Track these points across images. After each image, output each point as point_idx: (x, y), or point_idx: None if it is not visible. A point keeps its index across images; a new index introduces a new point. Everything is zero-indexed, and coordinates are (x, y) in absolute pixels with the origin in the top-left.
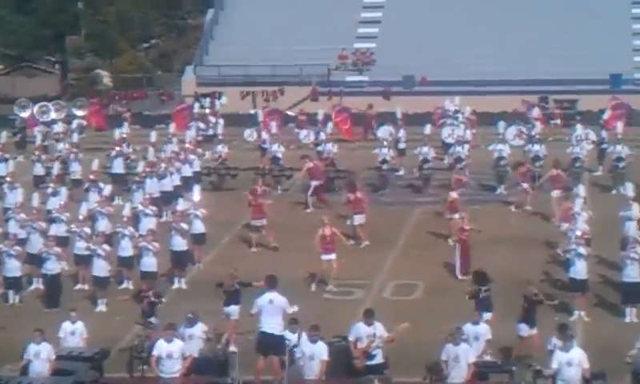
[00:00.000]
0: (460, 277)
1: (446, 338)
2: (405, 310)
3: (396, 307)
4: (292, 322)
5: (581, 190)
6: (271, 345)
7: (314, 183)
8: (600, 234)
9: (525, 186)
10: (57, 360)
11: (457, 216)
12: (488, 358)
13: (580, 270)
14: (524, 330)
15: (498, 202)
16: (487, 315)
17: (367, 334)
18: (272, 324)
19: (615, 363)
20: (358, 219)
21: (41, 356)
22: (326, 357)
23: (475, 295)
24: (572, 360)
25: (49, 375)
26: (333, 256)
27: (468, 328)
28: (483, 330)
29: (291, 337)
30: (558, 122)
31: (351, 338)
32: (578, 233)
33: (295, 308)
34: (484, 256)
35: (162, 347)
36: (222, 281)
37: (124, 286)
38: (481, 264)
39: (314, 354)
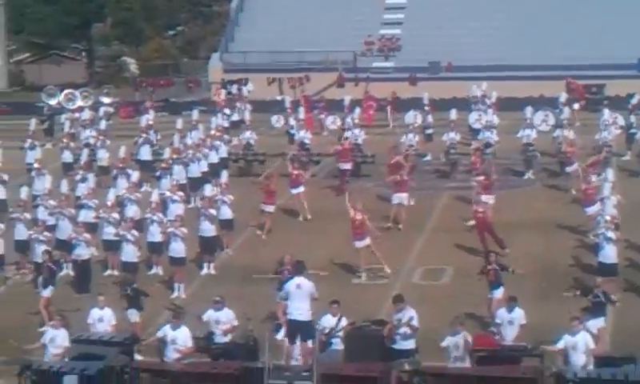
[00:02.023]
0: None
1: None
2: (433, 295)
3: (425, 292)
4: (333, 303)
5: (610, 174)
6: (300, 330)
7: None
8: (629, 219)
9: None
10: (88, 344)
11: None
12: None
13: (609, 254)
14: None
15: (527, 187)
16: (498, 291)
17: (396, 319)
18: (300, 310)
19: None
20: (399, 198)
21: (56, 341)
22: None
23: (484, 272)
24: (577, 343)
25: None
26: (366, 241)
27: (502, 313)
28: (518, 314)
29: (330, 320)
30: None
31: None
32: (607, 217)
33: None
34: (512, 240)
35: (167, 332)
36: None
37: (153, 271)
38: (510, 249)
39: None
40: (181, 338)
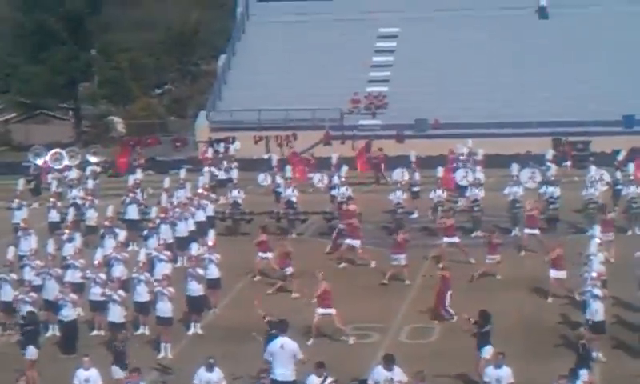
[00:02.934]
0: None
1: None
2: (421, 354)
3: (412, 350)
4: (318, 366)
5: (596, 231)
6: None
7: (341, 226)
8: (616, 276)
9: (535, 231)
10: None
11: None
12: None
13: (597, 311)
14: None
15: (514, 245)
16: (488, 349)
17: (385, 378)
18: (283, 370)
19: None
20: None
21: None
22: None
23: (476, 331)
24: None
25: None
26: (332, 311)
27: (490, 371)
28: (505, 373)
29: (315, 381)
30: (569, 163)
31: (370, 382)
32: (594, 274)
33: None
34: (500, 297)
35: None
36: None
37: (140, 331)
38: (497, 306)
39: None
40: None
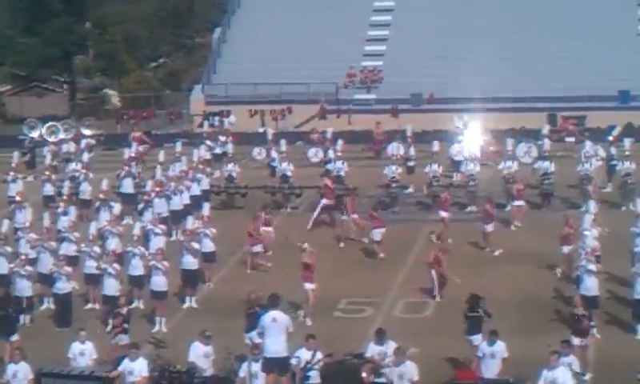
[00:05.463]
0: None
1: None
2: (415, 328)
3: (406, 325)
4: (308, 338)
5: (591, 206)
6: (276, 366)
7: (324, 201)
8: (610, 251)
9: (520, 203)
10: (69, 379)
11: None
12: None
13: (590, 286)
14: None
15: (508, 220)
16: (477, 338)
17: (379, 352)
18: (275, 345)
19: (626, 380)
20: (378, 234)
21: (18, 375)
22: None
23: (465, 316)
24: (556, 379)
25: None
26: (312, 285)
27: (484, 347)
28: (499, 348)
29: (306, 354)
30: (573, 139)
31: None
32: (588, 250)
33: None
34: (494, 273)
35: (126, 365)
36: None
37: (134, 305)
38: (492, 281)
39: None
40: (137, 369)
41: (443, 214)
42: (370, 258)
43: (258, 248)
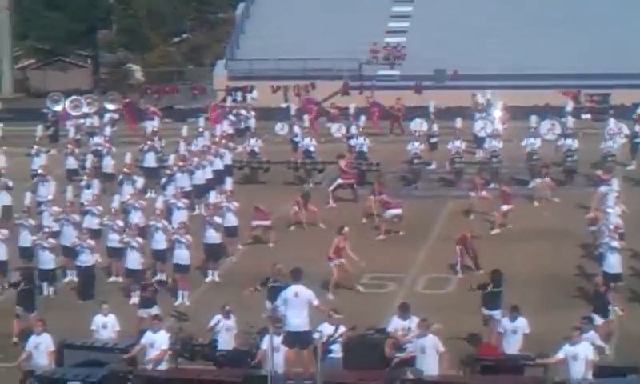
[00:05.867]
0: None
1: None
2: (437, 304)
3: (429, 301)
4: (332, 314)
5: (614, 184)
6: (299, 340)
7: (340, 181)
8: (633, 228)
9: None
10: (92, 351)
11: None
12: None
13: (613, 263)
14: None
15: (531, 197)
16: (496, 312)
17: (402, 327)
18: (297, 319)
19: None
20: (392, 213)
21: (40, 347)
22: None
23: (482, 289)
24: (577, 354)
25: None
26: (337, 261)
27: (505, 322)
28: (521, 324)
29: (328, 328)
30: (589, 116)
31: (391, 330)
32: (611, 226)
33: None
34: (516, 250)
35: (148, 336)
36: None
37: (157, 278)
38: (514, 257)
39: None
40: (158, 341)
41: (483, 193)
42: (392, 233)
43: (263, 223)
